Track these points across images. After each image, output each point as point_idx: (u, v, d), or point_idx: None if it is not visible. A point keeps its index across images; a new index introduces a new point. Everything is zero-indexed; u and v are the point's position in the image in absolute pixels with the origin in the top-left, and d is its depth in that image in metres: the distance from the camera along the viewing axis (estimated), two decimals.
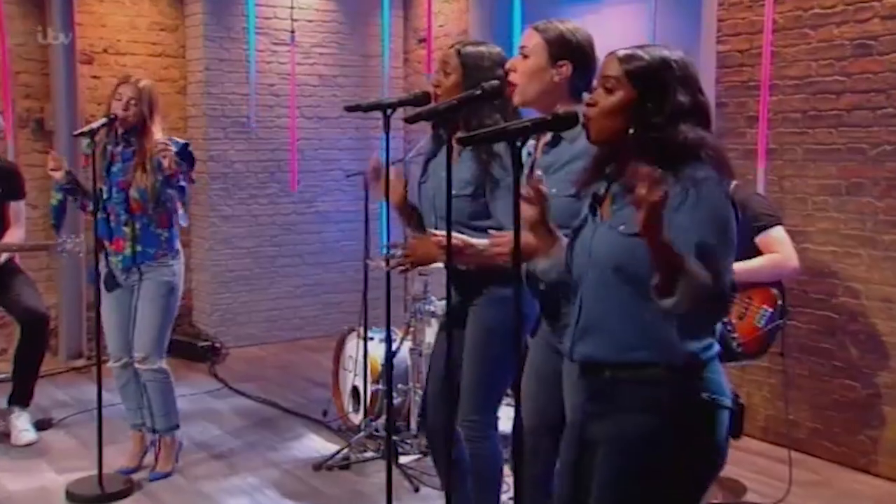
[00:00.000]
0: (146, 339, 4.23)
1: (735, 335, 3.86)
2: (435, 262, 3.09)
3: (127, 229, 4.16)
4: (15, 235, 4.91)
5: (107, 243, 4.21)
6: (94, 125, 3.94)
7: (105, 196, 4.15)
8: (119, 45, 6.82)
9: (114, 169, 4.15)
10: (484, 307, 3.14)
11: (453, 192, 2.64)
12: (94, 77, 6.72)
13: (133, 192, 4.11)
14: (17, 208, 4.99)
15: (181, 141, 4.17)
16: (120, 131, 4.14)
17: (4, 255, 4.89)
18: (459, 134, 2.69)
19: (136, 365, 4.28)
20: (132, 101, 4.09)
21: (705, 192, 1.99)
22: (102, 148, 4.15)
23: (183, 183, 4.13)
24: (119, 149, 4.16)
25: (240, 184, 7.09)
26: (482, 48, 3.15)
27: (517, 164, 2.03)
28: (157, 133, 4.13)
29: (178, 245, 4.28)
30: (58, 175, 4.21)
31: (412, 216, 3.39)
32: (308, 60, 7.29)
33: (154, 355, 4.26)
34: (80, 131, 4.04)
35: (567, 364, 2.27)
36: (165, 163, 3.96)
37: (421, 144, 4.51)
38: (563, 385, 2.35)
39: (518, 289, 2.15)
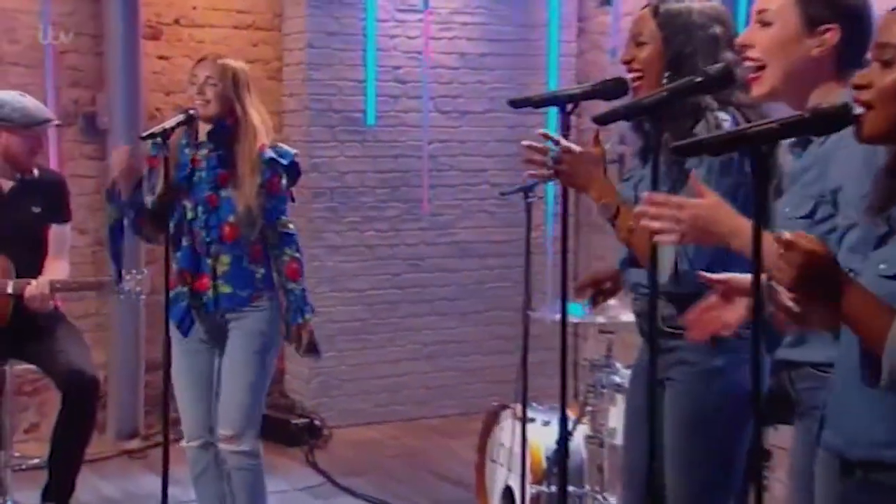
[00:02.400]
0: (235, 411, 4.30)
1: None
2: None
3: (211, 262, 4.24)
4: (58, 270, 4.98)
5: (189, 278, 4.26)
6: (168, 124, 3.99)
7: (191, 216, 4.24)
8: (194, 14, 7.01)
9: (196, 179, 4.24)
10: (686, 384, 3.12)
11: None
12: (162, 57, 6.94)
13: (230, 213, 4.20)
14: (60, 234, 5.11)
15: (290, 150, 4.30)
16: (205, 128, 4.22)
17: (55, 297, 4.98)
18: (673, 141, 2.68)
19: (222, 446, 4.34)
20: (210, 81, 4.17)
21: None
22: (177, 151, 4.23)
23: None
24: (204, 152, 4.25)
25: (352, 202, 7.19)
26: (690, 3, 3.16)
27: (763, 179, 1.99)
28: (258, 125, 4.20)
29: (276, 284, 4.37)
30: (125, 180, 4.24)
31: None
32: (447, 33, 7.37)
33: (247, 433, 4.32)
34: (148, 132, 4.04)
35: (820, 455, 2.27)
36: None
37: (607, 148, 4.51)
38: (816, 484, 2.34)
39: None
